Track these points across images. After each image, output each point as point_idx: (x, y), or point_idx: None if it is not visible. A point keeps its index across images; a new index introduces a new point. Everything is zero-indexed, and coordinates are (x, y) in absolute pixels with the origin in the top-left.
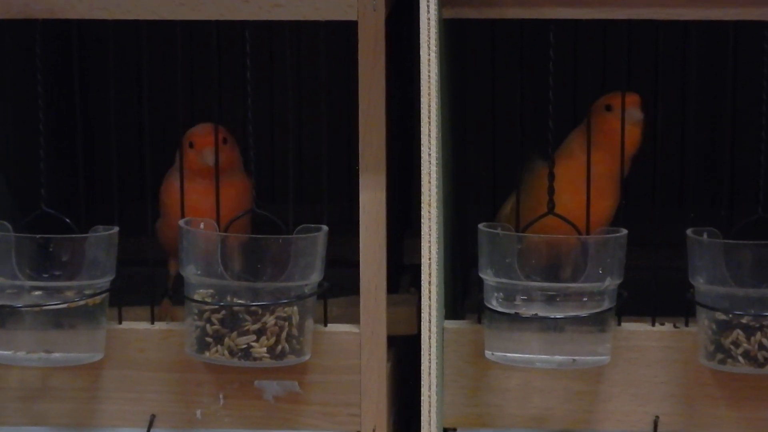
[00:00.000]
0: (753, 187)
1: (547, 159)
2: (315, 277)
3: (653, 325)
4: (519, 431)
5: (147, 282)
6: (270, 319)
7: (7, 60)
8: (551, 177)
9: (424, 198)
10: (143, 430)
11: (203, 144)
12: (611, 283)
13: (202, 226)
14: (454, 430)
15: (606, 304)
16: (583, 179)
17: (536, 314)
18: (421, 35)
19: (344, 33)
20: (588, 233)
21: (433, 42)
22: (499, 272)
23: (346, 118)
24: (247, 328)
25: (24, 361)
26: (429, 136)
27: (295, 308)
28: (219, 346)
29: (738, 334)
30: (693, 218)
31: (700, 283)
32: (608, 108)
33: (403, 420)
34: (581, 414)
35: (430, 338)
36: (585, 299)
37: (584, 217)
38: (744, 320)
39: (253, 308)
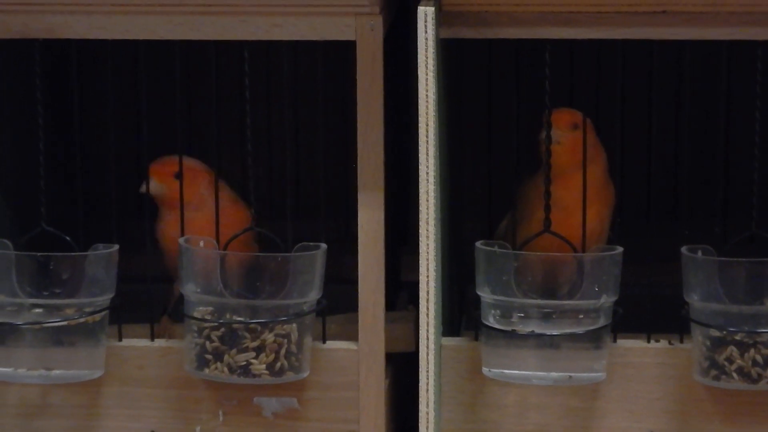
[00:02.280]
0: (746, 203)
1: (531, 175)
2: (314, 294)
3: (648, 341)
4: None
5: (146, 299)
6: (269, 337)
7: (6, 79)
8: (547, 195)
9: (422, 216)
10: None
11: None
12: (607, 300)
13: (201, 244)
14: None
15: (602, 321)
16: (564, 198)
17: (533, 331)
18: (418, 55)
19: (342, 52)
20: (584, 250)
21: (431, 62)
22: (496, 289)
23: (344, 136)
24: (246, 345)
25: (24, 378)
26: (427, 154)
27: (294, 325)
28: (218, 363)
29: (732, 350)
30: (687, 235)
31: (694, 300)
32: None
33: None
34: (577, 430)
35: (428, 355)
36: (581, 316)
37: (573, 235)
38: (738, 337)
39: (252, 326)
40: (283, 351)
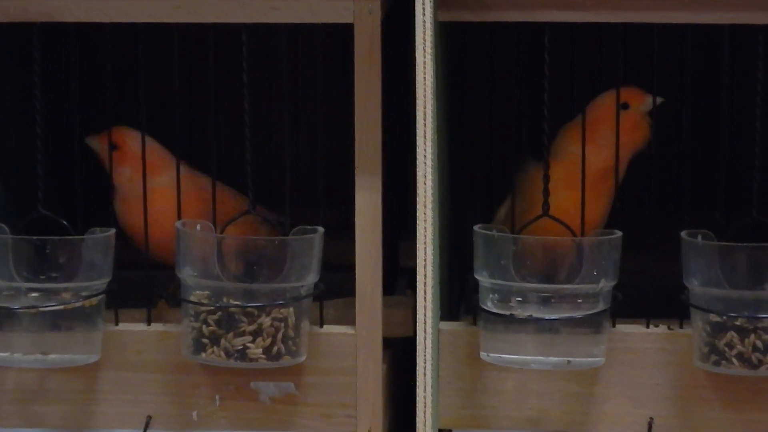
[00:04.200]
0: (747, 189)
1: (540, 161)
2: (311, 278)
3: (648, 327)
4: None
5: (143, 284)
6: (266, 321)
7: (4, 63)
8: (546, 179)
9: (420, 200)
10: (139, 431)
11: None
12: (606, 284)
13: (198, 228)
14: (450, 431)
15: (601, 306)
16: (579, 179)
17: (531, 315)
18: (416, 38)
19: (341, 36)
20: (583, 234)
21: (429, 44)
22: (495, 274)
23: (343, 121)
24: (243, 329)
25: (21, 362)
26: (424, 138)
27: (291, 309)
28: (215, 348)
29: (732, 336)
30: (687, 221)
31: (694, 285)
32: (625, 106)
33: (398, 421)
34: (576, 416)
35: (425, 340)
36: (580, 301)
37: (580, 217)
38: (738, 322)
39: (249, 309)
40: (280, 335)
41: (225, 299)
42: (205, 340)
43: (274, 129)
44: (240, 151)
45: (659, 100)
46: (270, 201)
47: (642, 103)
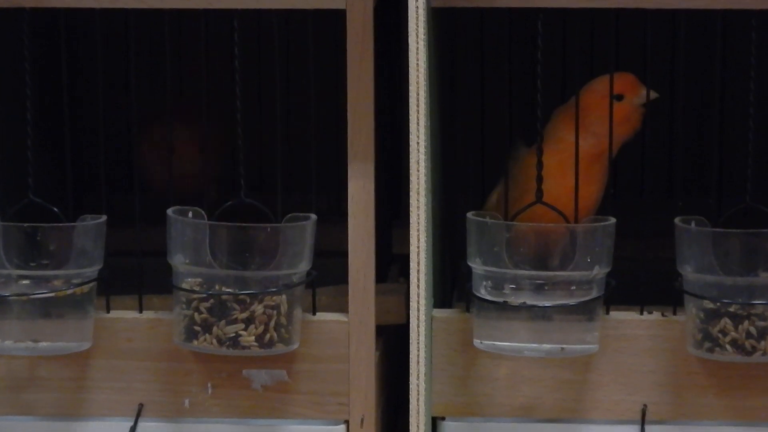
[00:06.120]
0: (741, 175)
1: (530, 146)
2: (303, 265)
3: (641, 313)
4: (507, 420)
5: (135, 272)
6: (258, 308)
7: None
8: (540, 166)
9: (413, 186)
10: (131, 419)
11: None
12: (599, 271)
13: (190, 214)
14: (443, 419)
15: (594, 293)
16: (571, 164)
17: (525, 303)
18: (409, 24)
19: (333, 21)
20: (576, 220)
21: (422, 31)
22: (488, 261)
23: (335, 107)
24: (235, 316)
25: (11, 350)
26: (417, 124)
27: (284, 297)
28: (207, 335)
29: (726, 322)
30: (681, 207)
31: (688, 272)
32: (619, 98)
33: (391, 409)
34: (570, 403)
35: (418, 327)
36: (573, 288)
37: (572, 202)
38: (732, 309)
39: (241, 297)
40: (272, 323)
41: (217, 287)
42: (197, 328)
43: (265, 114)
44: (232, 136)
45: (653, 95)
46: (262, 188)
47: (636, 96)
